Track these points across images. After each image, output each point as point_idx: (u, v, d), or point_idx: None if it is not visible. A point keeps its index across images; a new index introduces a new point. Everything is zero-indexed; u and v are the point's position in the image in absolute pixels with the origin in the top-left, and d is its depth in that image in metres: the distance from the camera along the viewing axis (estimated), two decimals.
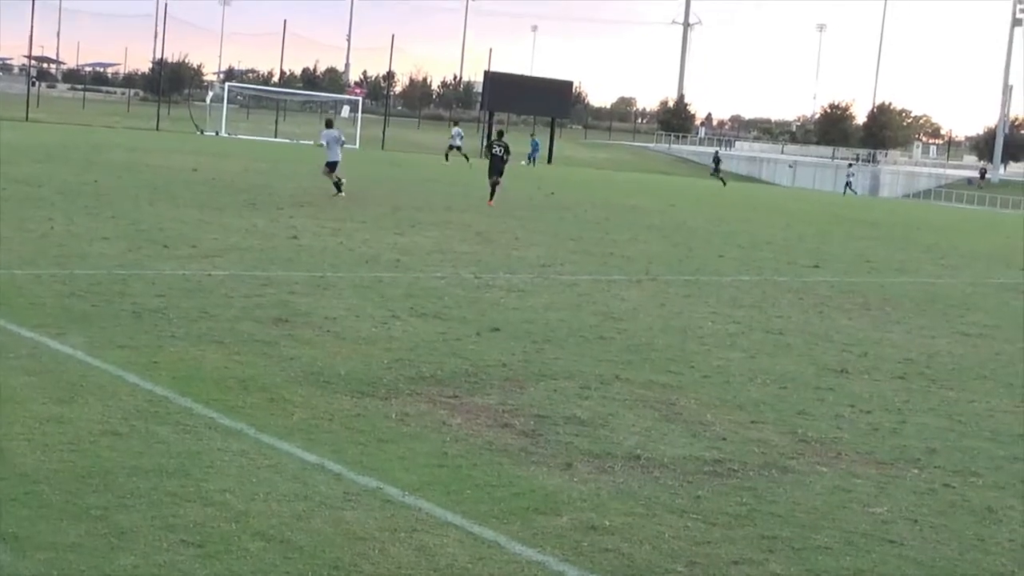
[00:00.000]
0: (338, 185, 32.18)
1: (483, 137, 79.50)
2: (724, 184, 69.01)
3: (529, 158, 74.90)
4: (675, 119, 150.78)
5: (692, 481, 8.58)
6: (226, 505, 7.21)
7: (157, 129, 76.48)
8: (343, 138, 33.55)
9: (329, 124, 34.48)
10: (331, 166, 32.68)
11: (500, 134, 38.63)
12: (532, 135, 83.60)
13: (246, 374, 10.75)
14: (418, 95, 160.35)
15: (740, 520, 7.80)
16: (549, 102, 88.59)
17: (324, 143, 33.29)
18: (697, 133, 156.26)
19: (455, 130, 64.65)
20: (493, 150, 36.63)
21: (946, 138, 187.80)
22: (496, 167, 35.69)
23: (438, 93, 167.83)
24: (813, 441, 10.04)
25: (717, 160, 74.48)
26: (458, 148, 62.05)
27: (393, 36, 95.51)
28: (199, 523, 6.86)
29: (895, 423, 11.04)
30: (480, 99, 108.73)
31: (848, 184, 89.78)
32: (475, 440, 9.20)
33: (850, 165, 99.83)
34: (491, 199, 34.86)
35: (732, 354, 13.86)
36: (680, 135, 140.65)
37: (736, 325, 16.07)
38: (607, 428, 9.92)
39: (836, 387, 12.42)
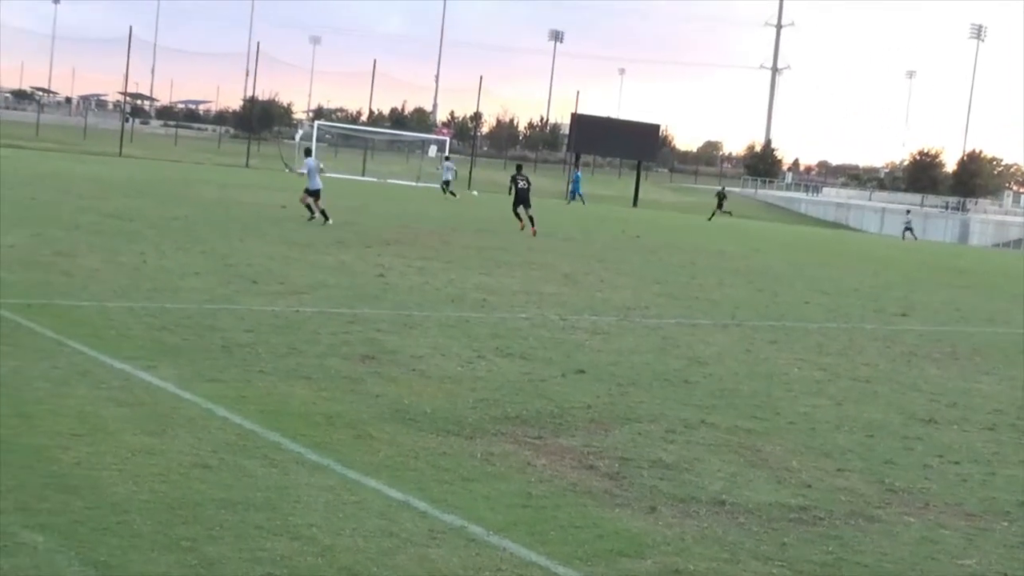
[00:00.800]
0: (324, 214, 33.30)
1: (568, 181, 79.62)
2: (731, 215, 69.03)
3: (572, 195, 74.22)
4: (762, 164, 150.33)
5: (777, 528, 8.52)
6: (312, 540, 7.27)
7: (247, 166, 77.49)
8: (322, 166, 34.75)
9: (308, 153, 36.37)
10: (313, 194, 33.85)
11: (519, 168, 41.67)
12: (577, 170, 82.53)
13: (333, 410, 10.84)
14: (505, 136, 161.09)
15: (826, 569, 7.73)
16: (635, 145, 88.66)
17: (305, 171, 34.78)
18: (784, 178, 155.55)
19: (447, 163, 63.91)
20: (519, 184, 39.17)
21: None
22: (523, 199, 38.75)
23: (525, 134, 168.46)
24: (900, 491, 9.93)
25: (721, 196, 71.95)
26: (446, 183, 61.62)
27: (481, 77, 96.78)
28: (286, 556, 6.93)
29: (984, 474, 10.89)
30: (567, 141, 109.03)
31: (909, 229, 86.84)
32: (559, 481, 9.20)
33: (908, 212, 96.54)
34: (533, 226, 37.48)
35: (818, 401, 13.75)
36: (767, 180, 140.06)
37: (822, 372, 15.94)
38: (692, 472, 9.88)
39: (924, 436, 12.27)
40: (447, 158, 68.80)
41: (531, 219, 37.78)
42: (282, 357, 13.11)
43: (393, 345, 14.60)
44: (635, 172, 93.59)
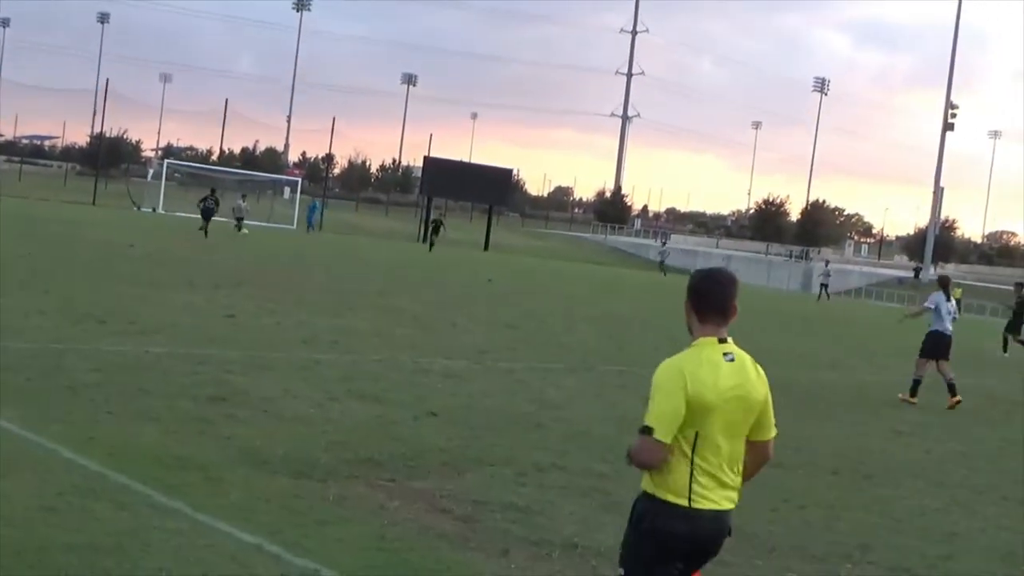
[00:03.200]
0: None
1: (420, 222, 79.59)
2: (664, 275, 68.49)
3: (309, 224, 74.89)
4: (612, 210, 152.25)
5: None
6: None
7: (94, 203, 76.12)
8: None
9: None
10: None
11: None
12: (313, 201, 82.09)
13: (183, 452, 10.69)
14: (357, 178, 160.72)
15: None
16: (488, 189, 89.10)
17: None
18: (633, 224, 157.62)
19: (239, 203, 63.69)
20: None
21: (877, 237, 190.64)
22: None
23: (377, 176, 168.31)
24: (749, 535, 10.10)
25: (663, 255, 71.74)
26: (240, 219, 61.70)
27: (334, 119, 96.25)
28: None
29: (828, 518, 11.14)
30: (419, 184, 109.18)
31: (824, 287, 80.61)
32: (413, 524, 9.19)
33: (827, 264, 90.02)
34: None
35: None
36: (616, 226, 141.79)
37: None
38: (545, 516, 9.94)
39: (770, 481, 12.49)
40: (243, 196, 69.27)
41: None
42: (131, 398, 12.88)
43: (244, 386, 14.44)
44: (487, 216, 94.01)
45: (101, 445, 10.56)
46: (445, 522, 9.38)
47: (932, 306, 21.65)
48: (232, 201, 63.65)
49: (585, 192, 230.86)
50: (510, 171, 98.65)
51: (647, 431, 5.31)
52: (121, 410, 12.18)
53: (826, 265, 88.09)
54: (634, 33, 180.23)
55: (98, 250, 34.64)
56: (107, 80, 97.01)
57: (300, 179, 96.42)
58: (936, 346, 21.40)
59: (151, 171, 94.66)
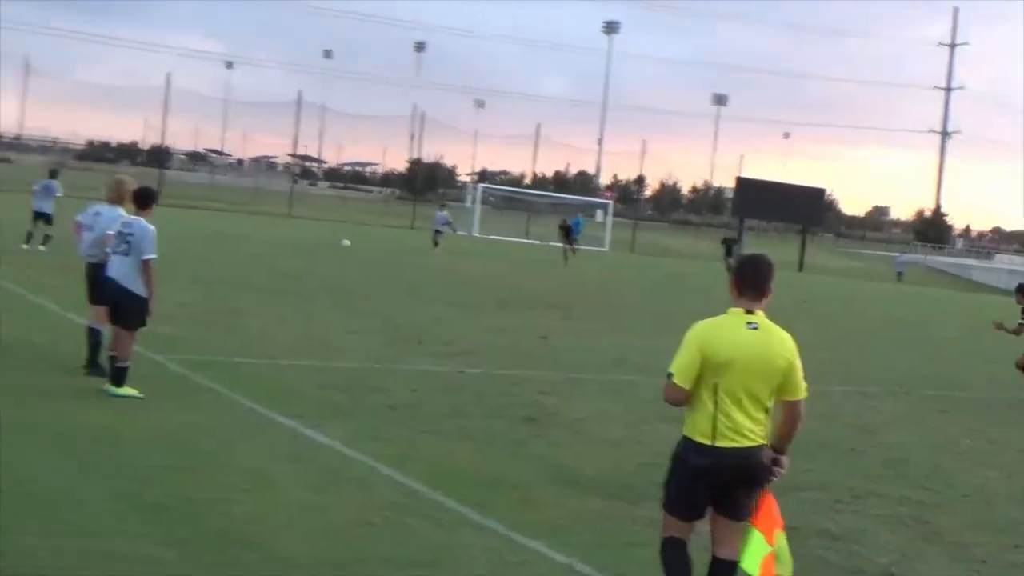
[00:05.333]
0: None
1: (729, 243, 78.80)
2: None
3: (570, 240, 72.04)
4: (931, 230, 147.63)
5: None
6: None
7: (412, 227, 78.48)
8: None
9: (53, 174, 31.68)
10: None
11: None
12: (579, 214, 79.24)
13: (497, 471, 10.86)
14: (668, 200, 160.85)
15: None
16: (800, 209, 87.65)
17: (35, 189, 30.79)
18: (954, 244, 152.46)
19: (440, 214, 55.43)
20: None
21: None
22: None
23: (688, 198, 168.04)
24: None
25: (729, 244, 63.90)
26: (438, 232, 53.41)
27: (644, 141, 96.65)
28: None
29: None
30: (730, 205, 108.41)
31: None
32: None
33: None
34: None
35: (989, 472, 13.36)
36: (936, 246, 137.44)
37: (991, 444, 15.49)
38: (860, 544, 9.66)
39: None
40: (443, 206, 61.48)
41: None
42: (446, 418, 13.19)
43: (556, 407, 14.59)
44: (800, 236, 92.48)
45: (418, 462, 10.84)
46: None
47: None
48: (554, 224, 63.62)
49: (903, 212, 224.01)
50: (822, 191, 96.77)
51: (669, 376, 6.79)
52: (437, 429, 12.47)
53: None
54: (953, 46, 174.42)
55: (416, 272, 35.68)
56: (423, 107, 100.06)
57: (611, 201, 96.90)
58: None
59: (469, 196, 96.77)
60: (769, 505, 6.81)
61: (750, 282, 6.87)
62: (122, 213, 13.58)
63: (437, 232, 52.75)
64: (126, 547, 7.67)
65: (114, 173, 16.31)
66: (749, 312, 6.79)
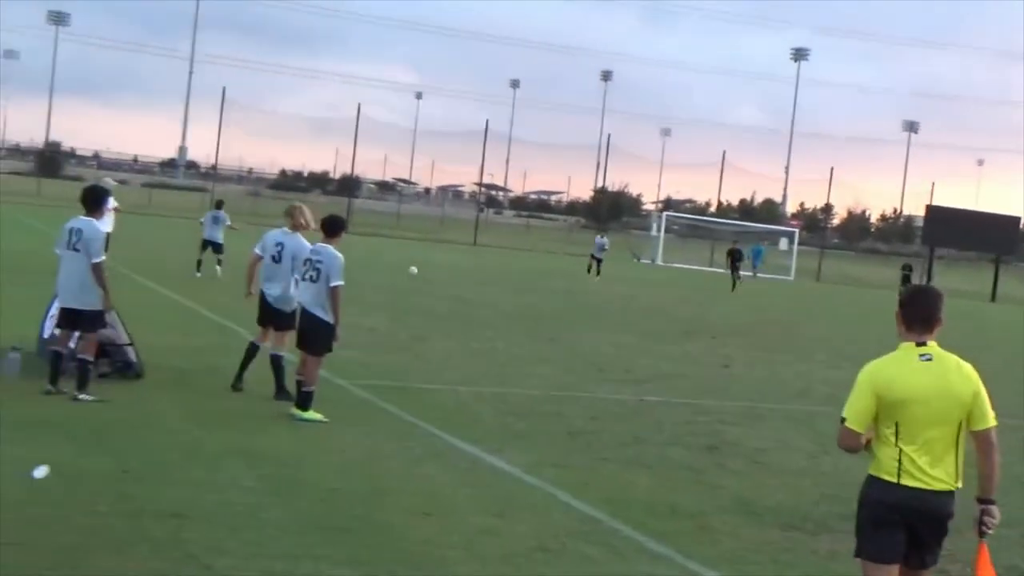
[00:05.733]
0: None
1: (924, 273, 77.20)
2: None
3: (753, 266, 70.76)
4: None
5: None
6: None
7: None
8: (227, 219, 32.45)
9: (219, 205, 33.67)
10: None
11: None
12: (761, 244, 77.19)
13: (675, 500, 10.83)
14: (856, 228, 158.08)
15: None
16: (993, 238, 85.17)
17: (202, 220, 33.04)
18: None
19: (599, 240, 53.42)
20: None
21: None
22: None
23: (877, 226, 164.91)
24: None
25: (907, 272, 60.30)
26: (598, 260, 51.43)
27: (832, 168, 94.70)
28: None
29: None
30: (920, 233, 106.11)
31: None
32: None
33: None
34: None
35: None
36: None
37: None
38: None
39: None
40: (603, 233, 60.61)
41: None
42: (625, 445, 13.19)
43: (736, 437, 14.48)
44: (993, 266, 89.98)
45: (596, 490, 10.86)
46: None
47: None
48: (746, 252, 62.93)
49: None
50: (1018, 219, 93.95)
51: (842, 420, 6.55)
52: (615, 456, 12.49)
53: None
54: None
55: (599, 300, 35.73)
56: (609, 135, 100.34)
57: (797, 230, 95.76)
58: None
59: (654, 224, 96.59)
60: (985, 559, 6.66)
61: (919, 314, 6.61)
62: (301, 240, 13.98)
63: (595, 259, 51.13)
64: (308, 568, 7.86)
65: (292, 201, 16.71)
66: (920, 344, 6.54)
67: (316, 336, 12.97)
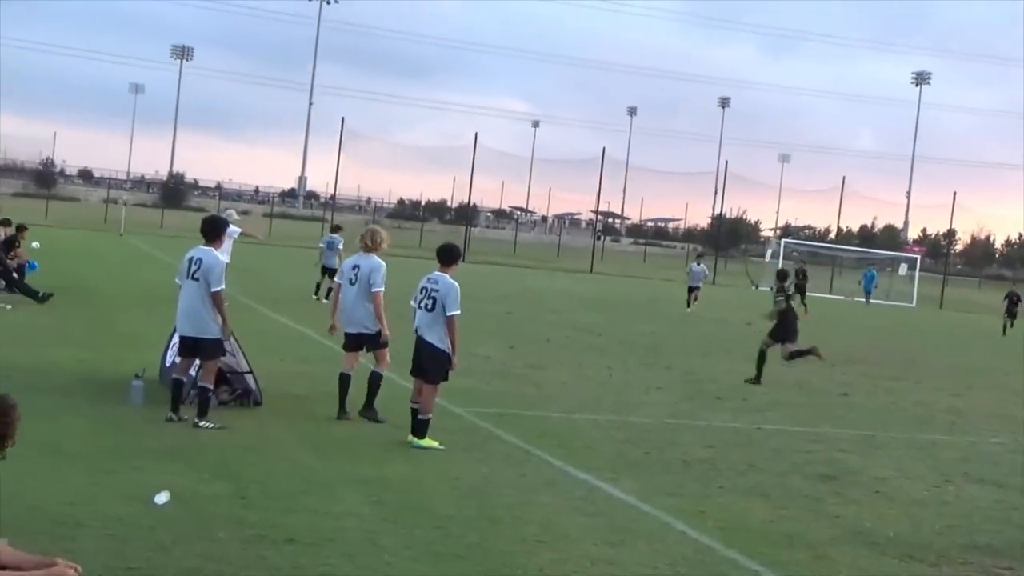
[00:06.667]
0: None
1: None
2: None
3: (865, 292, 69.58)
4: None
5: None
6: None
7: (713, 283, 78.06)
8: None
9: (335, 229, 34.23)
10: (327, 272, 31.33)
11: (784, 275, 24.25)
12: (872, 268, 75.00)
13: (792, 529, 10.71)
14: (980, 254, 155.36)
15: None
16: None
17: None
18: None
19: (696, 268, 46.84)
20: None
21: None
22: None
23: (1001, 252, 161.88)
24: None
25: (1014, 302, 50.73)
26: (693, 289, 45.12)
27: (955, 193, 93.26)
28: None
29: None
30: None
31: None
32: None
33: None
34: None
35: None
36: None
37: None
38: None
39: None
40: (699, 257, 52.02)
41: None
42: (741, 474, 13.09)
43: (856, 465, 14.28)
44: None
45: (711, 518, 10.79)
46: None
47: None
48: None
49: None
50: None
51: None
52: (731, 485, 12.39)
53: None
54: None
55: (716, 328, 35.52)
56: (726, 162, 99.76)
57: (919, 256, 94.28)
58: None
59: (769, 250, 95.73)
60: None
61: None
62: (375, 259, 14.16)
63: (691, 289, 45.05)
64: None
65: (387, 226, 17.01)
66: None
67: (433, 364, 13.04)
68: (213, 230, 13.59)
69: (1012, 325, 47.58)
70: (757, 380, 21.66)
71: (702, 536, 10.13)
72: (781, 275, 23.45)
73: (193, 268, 13.14)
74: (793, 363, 22.82)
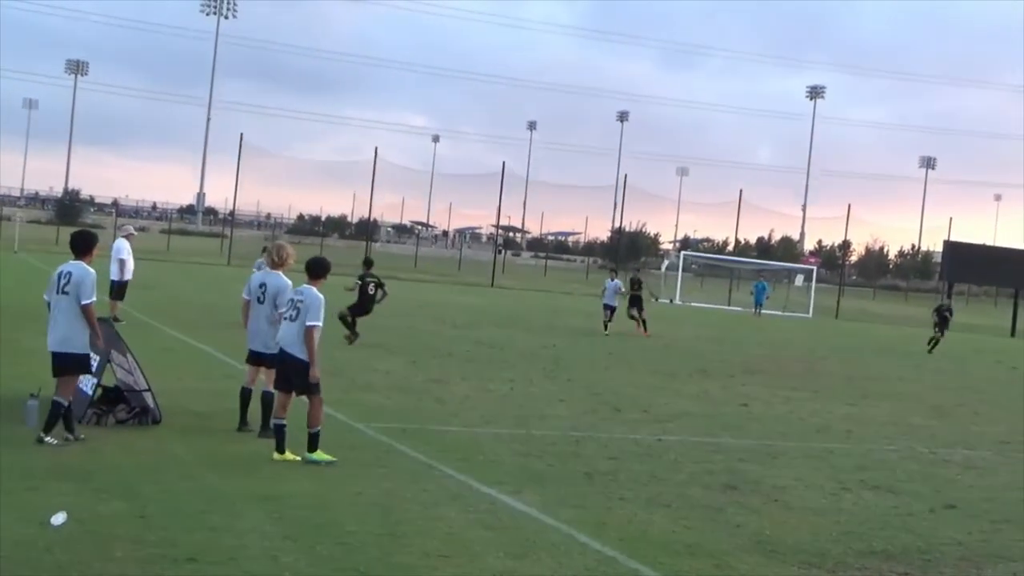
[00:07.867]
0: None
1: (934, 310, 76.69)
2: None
3: (756, 303, 69.76)
4: None
5: None
6: None
7: None
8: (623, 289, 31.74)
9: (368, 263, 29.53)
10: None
11: (370, 263, 28.76)
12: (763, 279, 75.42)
13: (693, 539, 10.81)
14: (874, 264, 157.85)
15: None
16: (1013, 273, 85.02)
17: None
18: None
19: (612, 283, 40.67)
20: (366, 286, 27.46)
21: None
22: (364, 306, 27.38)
23: (895, 263, 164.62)
24: None
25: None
26: (611, 309, 40.50)
27: (849, 206, 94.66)
28: None
29: None
30: (939, 269, 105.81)
31: None
32: None
33: None
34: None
35: None
36: None
37: None
38: None
39: None
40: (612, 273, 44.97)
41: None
42: (643, 485, 13.18)
43: (755, 475, 14.45)
44: (1012, 301, 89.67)
45: (613, 530, 10.86)
46: None
47: None
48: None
49: None
50: None
51: None
52: (633, 496, 12.48)
53: None
54: None
55: (617, 341, 35.70)
56: (626, 176, 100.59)
57: (815, 267, 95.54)
58: None
59: (665, 263, 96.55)
60: None
61: None
62: (281, 278, 14.17)
63: (609, 309, 39.93)
64: None
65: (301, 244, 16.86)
66: None
67: (300, 377, 13.00)
68: (84, 244, 13.40)
69: (940, 341, 44.97)
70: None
71: (605, 547, 10.18)
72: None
73: (63, 282, 12.98)
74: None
